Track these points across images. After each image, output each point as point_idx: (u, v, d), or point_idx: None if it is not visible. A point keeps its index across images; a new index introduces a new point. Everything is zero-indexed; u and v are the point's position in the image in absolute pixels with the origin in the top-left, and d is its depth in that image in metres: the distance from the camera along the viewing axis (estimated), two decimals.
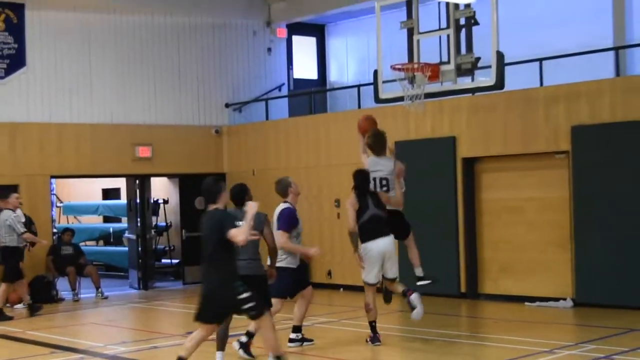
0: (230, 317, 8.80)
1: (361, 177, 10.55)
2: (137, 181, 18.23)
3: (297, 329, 10.52)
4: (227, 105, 19.03)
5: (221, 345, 9.17)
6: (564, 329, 11.71)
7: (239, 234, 7.98)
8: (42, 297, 15.72)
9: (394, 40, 12.30)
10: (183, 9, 18.41)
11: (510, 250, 14.30)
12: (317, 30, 20.69)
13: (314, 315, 12.70)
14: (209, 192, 8.42)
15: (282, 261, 10.07)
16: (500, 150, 14.29)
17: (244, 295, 8.26)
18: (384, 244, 10.36)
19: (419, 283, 10.95)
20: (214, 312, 8.37)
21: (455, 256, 14.57)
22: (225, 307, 8.36)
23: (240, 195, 9.37)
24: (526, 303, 13.66)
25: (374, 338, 10.50)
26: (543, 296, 13.66)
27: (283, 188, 10.45)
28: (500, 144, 14.27)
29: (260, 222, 9.35)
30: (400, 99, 11.77)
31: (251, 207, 8.27)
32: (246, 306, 8.28)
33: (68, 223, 22.20)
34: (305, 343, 10.47)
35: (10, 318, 14.08)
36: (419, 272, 10.98)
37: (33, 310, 14.45)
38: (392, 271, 10.49)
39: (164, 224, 20.05)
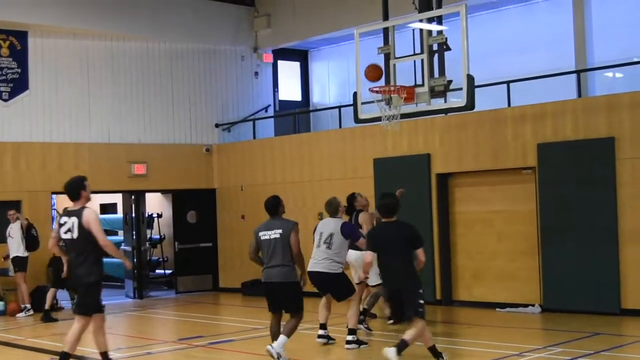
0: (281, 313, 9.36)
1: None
2: (133, 196, 18.08)
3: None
4: (217, 125, 18.94)
5: (274, 339, 9.28)
6: (532, 334, 11.63)
7: (423, 256, 8.91)
8: (42, 306, 15.52)
9: None
10: (175, 36, 18.33)
11: (482, 259, 14.25)
12: (300, 55, 20.65)
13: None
14: (390, 207, 9.04)
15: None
16: (472, 166, 14.26)
17: (422, 301, 8.89)
18: (349, 255, 11.04)
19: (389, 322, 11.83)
20: (400, 307, 8.92)
21: (430, 265, 14.46)
22: (407, 303, 8.81)
23: (275, 207, 9.40)
24: (497, 309, 13.59)
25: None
26: (513, 302, 13.60)
27: (335, 208, 10.70)
28: (471, 161, 14.23)
29: (289, 228, 9.22)
30: (378, 119, 11.74)
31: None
32: (420, 309, 8.81)
33: None
34: (330, 341, 10.72)
35: (56, 320, 14.27)
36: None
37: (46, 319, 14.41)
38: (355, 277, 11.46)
39: (158, 236, 19.87)
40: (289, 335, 9.20)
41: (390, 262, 8.92)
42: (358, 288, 11.07)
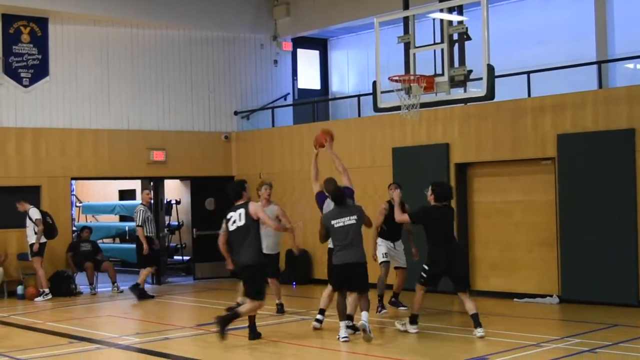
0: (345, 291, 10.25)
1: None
2: (152, 183, 18.17)
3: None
4: (235, 113, 18.98)
5: (343, 316, 10.16)
6: (550, 324, 11.62)
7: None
8: (62, 290, 15.68)
9: (392, 53, 12.27)
10: (195, 24, 18.36)
11: (500, 249, 14.23)
12: (320, 44, 20.64)
13: (313, 309, 12.67)
14: (448, 194, 10.62)
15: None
16: (491, 156, 14.22)
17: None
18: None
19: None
20: (460, 276, 10.49)
21: None
22: (463, 274, 10.91)
23: (343, 196, 10.37)
24: (515, 299, 13.58)
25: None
26: (530, 293, 13.58)
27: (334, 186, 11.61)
28: (490, 151, 14.20)
29: (362, 212, 10.29)
30: (398, 108, 11.75)
31: None
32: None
33: (87, 222, 22.13)
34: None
35: (152, 297, 15.24)
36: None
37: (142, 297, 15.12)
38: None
39: (176, 223, 19.96)
40: (368, 309, 10.08)
41: (446, 240, 10.34)
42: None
